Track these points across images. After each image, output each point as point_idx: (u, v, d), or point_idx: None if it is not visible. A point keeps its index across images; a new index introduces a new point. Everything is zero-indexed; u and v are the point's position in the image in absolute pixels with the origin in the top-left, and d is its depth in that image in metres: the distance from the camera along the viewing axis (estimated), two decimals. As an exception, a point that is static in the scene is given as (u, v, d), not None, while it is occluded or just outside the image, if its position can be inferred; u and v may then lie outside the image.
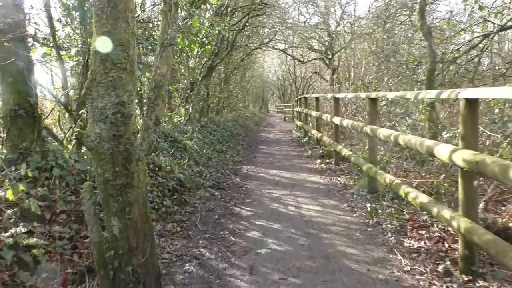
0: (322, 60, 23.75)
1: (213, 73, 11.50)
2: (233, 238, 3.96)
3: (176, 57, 7.51)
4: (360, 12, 56.91)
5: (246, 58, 16.79)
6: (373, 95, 4.97)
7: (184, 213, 4.72)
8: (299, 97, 15.17)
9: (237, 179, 6.71)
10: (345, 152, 6.31)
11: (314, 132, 9.93)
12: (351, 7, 42.67)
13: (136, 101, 5.52)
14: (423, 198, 3.36)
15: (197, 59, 9.91)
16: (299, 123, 13.96)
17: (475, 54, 7.32)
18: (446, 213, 2.88)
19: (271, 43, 18.13)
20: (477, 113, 2.81)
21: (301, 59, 23.98)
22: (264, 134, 15.69)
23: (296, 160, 8.72)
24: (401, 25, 14.82)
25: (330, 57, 22.33)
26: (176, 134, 7.64)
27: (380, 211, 4.49)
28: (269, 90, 55.74)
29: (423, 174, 4.83)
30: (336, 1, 21.93)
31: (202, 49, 9.89)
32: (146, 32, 6.31)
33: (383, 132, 4.34)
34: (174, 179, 5.32)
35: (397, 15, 16.60)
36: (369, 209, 4.56)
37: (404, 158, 5.51)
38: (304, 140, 11.53)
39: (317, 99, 9.99)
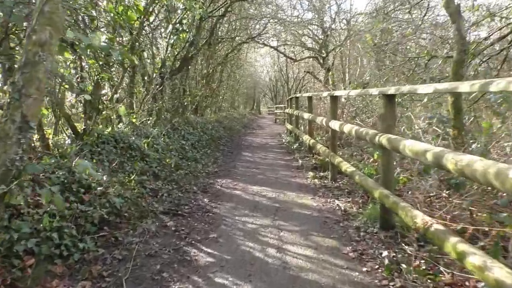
0: (315, 59, 22.30)
1: (189, 67, 9.92)
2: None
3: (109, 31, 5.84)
4: (357, 7, 55.11)
5: (233, 53, 15.23)
6: (392, 90, 3.44)
7: (110, 262, 3.15)
8: (289, 97, 13.65)
9: (205, 200, 5.14)
10: (346, 167, 4.79)
11: (306, 137, 8.41)
12: (347, 3, 41.41)
13: None
14: (502, 273, 1.84)
15: (169, 48, 8.33)
16: (289, 127, 12.44)
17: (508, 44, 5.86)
18: None
19: (260, 38, 16.55)
20: None
21: (294, 57, 22.47)
22: (250, 137, 14.14)
23: (284, 171, 7.17)
24: (400, 23, 13.44)
25: (324, 55, 20.89)
26: (132, 138, 6.06)
27: (403, 265, 2.96)
28: (261, 91, 54.34)
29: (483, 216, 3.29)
30: (331, -4, 20.54)
31: (174, 36, 8.33)
32: None
33: (411, 146, 2.81)
34: (107, 205, 3.74)
35: (397, 10, 15.26)
36: (386, 261, 3.04)
37: (427, 179, 3.99)
38: (295, 146, 10.00)
39: (309, 98, 8.47)
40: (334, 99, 5.97)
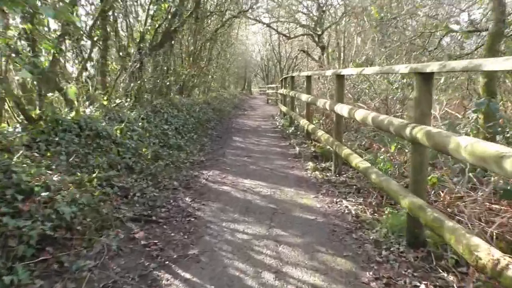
0: (310, 37, 21.23)
1: (173, 42, 8.89)
2: None
3: None
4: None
5: (222, 28, 14.14)
6: (432, 67, 2.55)
7: (47, 301, 2.31)
8: (284, 76, 12.70)
9: (187, 199, 4.29)
10: (358, 161, 3.95)
11: (303, 122, 7.54)
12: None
13: None
14: None
15: (148, 20, 7.31)
16: (283, 109, 11.54)
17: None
18: None
19: (252, 13, 15.45)
20: None
21: (287, 35, 21.38)
22: (242, 120, 13.23)
23: (280, 161, 6.33)
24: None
25: (319, 33, 19.85)
26: (103, 124, 5.14)
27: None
28: (253, 71, 53.08)
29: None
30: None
31: (155, 6, 7.30)
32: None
33: (471, 147, 1.96)
34: (53, 217, 2.86)
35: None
36: (426, 300, 2.24)
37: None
38: (290, 130, 9.14)
39: (308, 78, 7.56)
40: (341, 79, 5.08)
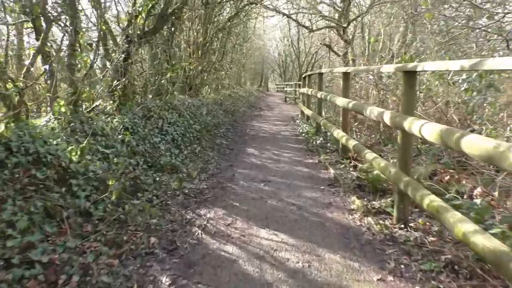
0: (334, 30, 19.30)
1: (174, 29, 7.16)
2: None
3: None
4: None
5: (237, 17, 12.38)
6: None
7: None
8: (307, 73, 10.87)
9: (163, 280, 2.56)
10: (464, 226, 2.14)
11: (338, 133, 5.72)
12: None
13: None
14: None
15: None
16: (307, 112, 9.73)
17: None
18: None
19: (271, 3, 13.62)
20: None
21: (309, 27, 19.49)
22: (258, 123, 11.45)
23: (310, 191, 4.54)
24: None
25: (345, 25, 17.91)
26: (52, 143, 3.45)
27: None
28: (270, 67, 51.24)
29: None
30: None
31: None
32: None
33: None
34: None
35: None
36: None
37: None
38: (318, 141, 7.34)
39: (346, 76, 5.72)
40: (411, 78, 3.27)
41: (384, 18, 18.35)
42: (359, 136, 6.60)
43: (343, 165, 5.43)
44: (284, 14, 18.10)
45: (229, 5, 11.62)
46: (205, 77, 11.13)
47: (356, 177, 4.77)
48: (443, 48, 6.50)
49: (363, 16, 17.85)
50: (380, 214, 3.70)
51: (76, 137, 4.01)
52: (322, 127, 7.47)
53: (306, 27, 19.43)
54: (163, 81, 6.78)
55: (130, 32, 5.64)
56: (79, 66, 4.65)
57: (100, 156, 4.03)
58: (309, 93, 9.03)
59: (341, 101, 5.42)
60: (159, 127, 5.95)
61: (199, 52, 9.94)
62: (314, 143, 7.33)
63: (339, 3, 18.97)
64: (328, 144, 7.01)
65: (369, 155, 4.10)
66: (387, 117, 3.49)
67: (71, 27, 4.54)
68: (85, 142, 3.74)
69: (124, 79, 5.38)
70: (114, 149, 4.38)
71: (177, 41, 8.14)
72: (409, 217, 3.45)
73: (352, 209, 3.89)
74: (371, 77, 7.41)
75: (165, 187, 4.28)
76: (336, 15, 19.28)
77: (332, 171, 5.22)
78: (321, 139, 7.35)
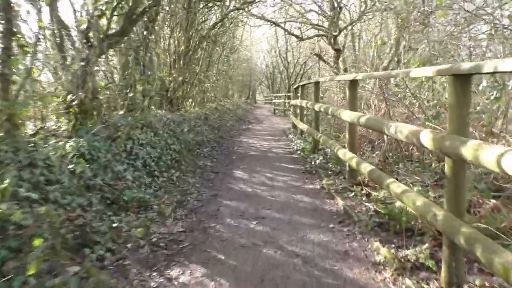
0: (325, 39, 18.53)
1: (148, 34, 6.15)
2: None
3: None
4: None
5: (223, 25, 11.45)
6: None
7: None
8: (300, 83, 9.93)
9: None
10: None
11: (344, 153, 4.72)
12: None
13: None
14: None
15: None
16: (301, 126, 8.76)
17: None
18: None
19: (258, 10, 12.76)
20: None
21: (299, 36, 18.70)
22: (246, 138, 10.43)
23: (317, 232, 3.51)
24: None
25: (335, 33, 17.16)
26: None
27: None
28: (257, 79, 50.50)
29: None
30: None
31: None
32: None
33: None
34: None
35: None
36: None
37: None
38: (317, 160, 6.34)
39: (353, 85, 4.75)
40: (464, 83, 2.31)
41: (375, 26, 17.72)
42: (370, 156, 5.62)
43: (352, 193, 4.43)
44: (272, 23, 17.28)
45: (213, 11, 10.68)
46: (188, 90, 10.12)
47: (374, 211, 3.77)
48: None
49: (354, 23, 17.15)
50: (419, 270, 2.69)
51: (1, 172, 2.94)
52: (321, 144, 6.49)
53: (296, 36, 18.64)
54: (132, 95, 5.72)
55: (89, 34, 4.62)
56: (15, 77, 3.60)
57: (36, 197, 2.96)
58: (304, 105, 8.07)
59: (348, 115, 4.44)
60: (127, 150, 4.89)
61: (181, 62, 8.94)
62: (313, 163, 6.34)
63: (329, 12, 18.28)
64: (330, 165, 6.02)
65: (396, 186, 3.11)
66: (427, 139, 2.51)
67: (3, 25, 3.50)
68: (7, 181, 2.67)
69: (81, 93, 4.33)
70: (58, 185, 3.32)
71: (153, 49, 7.12)
72: (464, 280, 2.45)
73: (378, 263, 2.88)
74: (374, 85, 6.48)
75: (126, 236, 3.22)
76: (326, 24, 18.58)
77: (340, 201, 4.21)
78: (321, 158, 6.36)
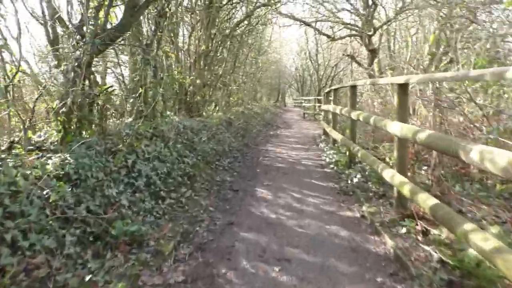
0: (358, 39, 17.43)
1: (157, 31, 5.37)
2: None
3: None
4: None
5: (249, 23, 10.64)
6: None
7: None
8: (332, 87, 8.95)
9: None
10: None
11: (391, 175, 3.74)
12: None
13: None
14: None
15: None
16: (334, 135, 7.77)
17: None
18: None
19: (283, 4, 11.86)
20: None
21: (331, 36, 17.67)
22: (273, 147, 9.54)
23: (358, 288, 2.62)
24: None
25: (370, 33, 16.05)
26: None
27: None
28: (287, 82, 49.52)
29: None
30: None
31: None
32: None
33: None
34: None
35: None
36: None
37: None
38: (354, 178, 5.38)
39: (402, 89, 3.76)
40: None
41: (412, 26, 16.48)
42: (426, 180, 4.62)
43: (403, 228, 3.46)
44: (302, 22, 16.34)
45: (238, 8, 9.88)
46: (210, 93, 9.34)
47: (438, 261, 2.80)
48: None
49: (391, 22, 15.96)
50: None
51: None
52: (360, 158, 5.52)
53: (327, 36, 17.60)
54: (140, 100, 4.96)
55: (83, 32, 3.88)
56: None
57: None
58: (338, 111, 7.10)
59: (399, 128, 3.48)
60: (129, 166, 4.12)
61: (201, 63, 8.18)
62: (349, 181, 5.38)
63: (362, 10, 17.16)
64: (370, 184, 5.04)
65: (481, 238, 2.14)
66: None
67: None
68: None
69: (69, 98, 3.58)
70: (23, 219, 2.55)
71: (161, 48, 6.37)
72: None
73: None
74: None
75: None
76: (360, 23, 17.47)
77: (389, 241, 3.25)
78: (359, 175, 5.39)
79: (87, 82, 4.15)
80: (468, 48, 7.08)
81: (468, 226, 2.32)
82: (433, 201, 2.84)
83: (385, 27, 16.82)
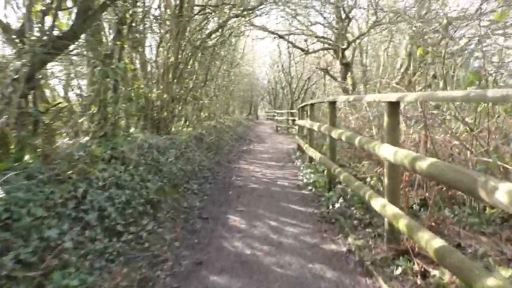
0: (333, 52, 17.29)
1: (112, 37, 4.81)
2: None
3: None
4: None
5: (222, 34, 10.18)
6: None
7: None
8: (309, 102, 8.56)
9: None
10: None
11: (382, 205, 3.30)
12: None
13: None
14: None
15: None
16: (311, 153, 7.33)
17: None
18: None
19: (257, 16, 11.53)
20: None
21: (305, 49, 17.50)
22: (246, 164, 9.02)
23: None
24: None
25: (344, 47, 15.96)
26: None
27: None
28: (259, 94, 49.38)
29: None
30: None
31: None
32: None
33: None
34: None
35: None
36: None
37: None
38: (336, 203, 4.93)
39: (392, 108, 3.36)
40: None
41: (385, 39, 16.57)
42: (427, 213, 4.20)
43: (399, 269, 3.00)
44: (275, 34, 16.07)
45: (210, 18, 9.39)
46: (180, 107, 8.78)
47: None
48: None
49: (365, 36, 15.96)
50: None
51: None
52: (341, 180, 5.07)
53: (301, 49, 17.41)
54: (98, 117, 4.35)
55: (28, 37, 3.27)
56: None
57: None
58: (315, 128, 6.69)
59: (391, 153, 3.04)
60: (78, 196, 3.49)
61: (169, 75, 7.62)
62: (330, 206, 4.93)
63: (335, 24, 17.07)
64: (353, 210, 4.60)
65: None
66: None
67: None
68: None
69: (3, 118, 2.96)
70: None
71: (139, 60, 5.80)
72: None
73: None
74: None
75: None
76: (333, 37, 17.38)
77: (384, 286, 2.78)
78: (341, 200, 4.94)
79: (30, 97, 3.54)
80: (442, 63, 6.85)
81: (492, 281, 1.88)
82: (439, 242, 2.40)
83: (358, 41, 16.82)
